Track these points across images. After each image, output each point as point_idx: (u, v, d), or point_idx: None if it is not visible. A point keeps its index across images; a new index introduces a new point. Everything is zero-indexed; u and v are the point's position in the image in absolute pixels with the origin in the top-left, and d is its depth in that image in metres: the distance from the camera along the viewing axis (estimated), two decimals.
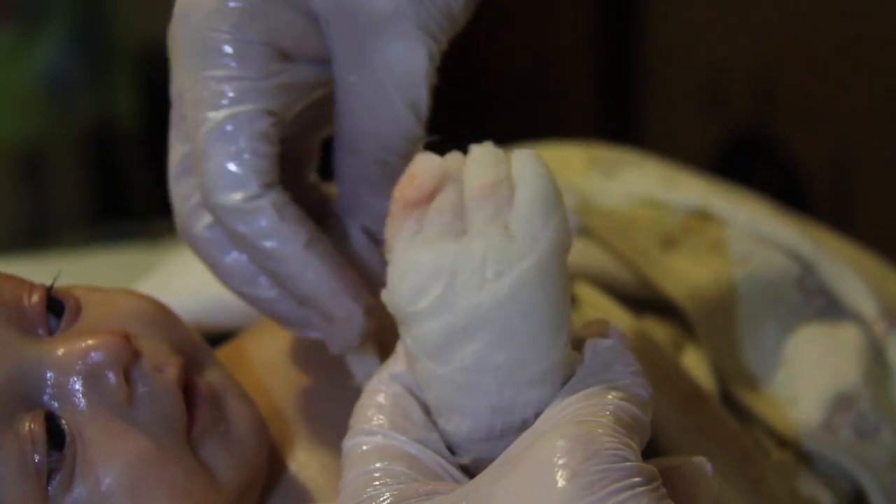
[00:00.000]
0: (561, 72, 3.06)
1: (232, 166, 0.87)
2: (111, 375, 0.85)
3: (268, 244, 0.88)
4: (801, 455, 1.09)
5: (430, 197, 0.78)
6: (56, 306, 0.90)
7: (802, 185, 2.67)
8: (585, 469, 0.70)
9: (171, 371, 0.87)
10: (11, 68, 2.68)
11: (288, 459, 0.96)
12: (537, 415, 0.77)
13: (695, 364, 1.13)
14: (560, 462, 0.71)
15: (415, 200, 0.78)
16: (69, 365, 0.85)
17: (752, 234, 1.20)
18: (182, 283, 1.19)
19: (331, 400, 0.99)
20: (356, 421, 0.81)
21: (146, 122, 2.91)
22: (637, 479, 0.70)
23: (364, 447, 0.79)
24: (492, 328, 0.76)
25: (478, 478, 0.75)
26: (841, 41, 2.52)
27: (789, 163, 2.70)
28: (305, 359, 1.02)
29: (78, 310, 0.90)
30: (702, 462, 0.78)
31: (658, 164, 1.37)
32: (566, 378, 0.78)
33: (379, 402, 0.81)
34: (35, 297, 0.89)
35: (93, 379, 0.85)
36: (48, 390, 0.86)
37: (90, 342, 0.86)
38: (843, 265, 1.18)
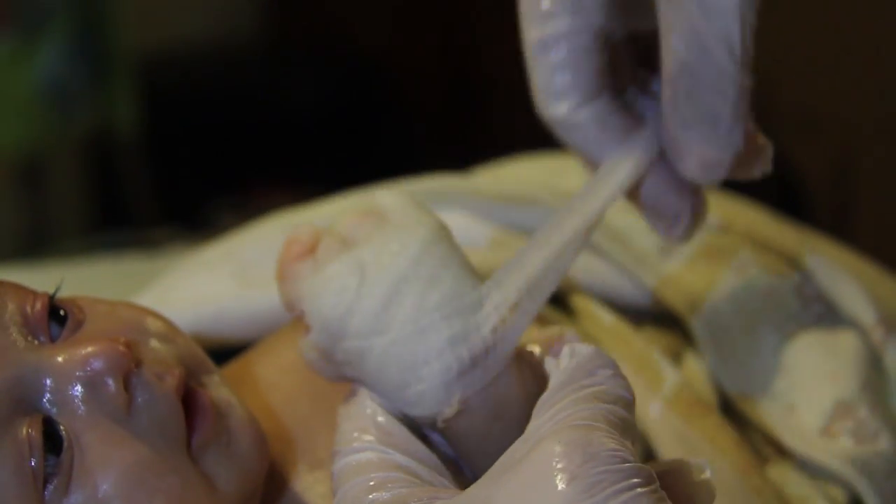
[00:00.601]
0: None
1: (554, 78, 0.88)
2: (111, 382, 0.85)
3: (588, 153, 0.90)
4: (799, 463, 1.09)
5: (313, 247, 0.88)
6: (59, 316, 0.90)
7: (801, 195, 2.67)
8: (585, 472, 0.71)
9: (171, 380, 0.87)
10: (11, 76, 2.68)
11: (290, 481, 0.96)
12: (493, 330, 0.83)
13: (694, 372, 1.13)
14: (559, 466, 0.71)
15: (302, 250, 0.87)
16: (69, 371, 0.86)
17: (750, 241, 1.20)
18: (181, 296, 1.19)
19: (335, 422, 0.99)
20: (342, 443, 0.83)
21: (146, 129, 2.91)
22: (636, 479, 0.71)
23: (356, 462, 0.80)
24: (418, 277, 0.84)
25: (476, 484, 0.76)
26: (841, 49, 2.53)
27: (788, 172, 2.70)
28: (312, 380, 1.02)
29: (81, 320, 0.90)
30: (700, 464, 0.78)
31: None
32: (538, 385, 0.82)
33: (361, 425, 0.83)
34: (38, 306, 0.90)
35: (92, 386, 0.85)
36: (47, 396, 0.86)
37: (90, 349, 0.86)
38: (841, 272, 1.18)
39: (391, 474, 0.78)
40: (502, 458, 0.76)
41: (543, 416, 0.76)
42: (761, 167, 0.91)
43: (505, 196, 1.22)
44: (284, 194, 2.26)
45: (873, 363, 1.15)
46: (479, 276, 0.86)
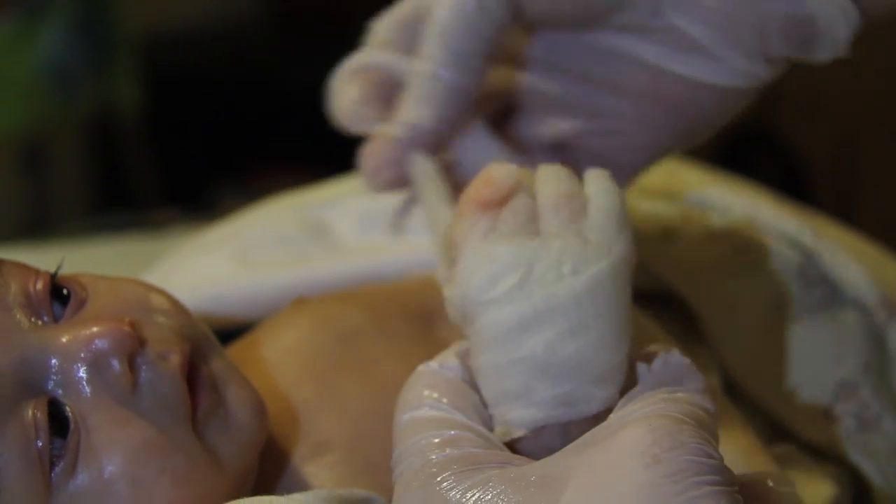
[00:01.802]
0: None
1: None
2: (115, 363, 0.85)
3: None
4: (803, 444, 1.09)
5: (504, 200, 0.81)
6: (62, 294, 0.90)
7: (805, 177, 2.66)
8: (671, 457, 0.70)
9: (175, 358, 0.87)
10: (13, 58, 2.67)
11: (292, 463, 0.96)
12: (596, 414, 0.78)
13: (698, 354, 1.13)
14: (646, 448, 0.71)
15: (490, 201, 0.81)
16: (74, 352, 0.86)
17: (752, 223, 1.20)
18: (182, 278, 1.19)
19: (345, 397, 0.99)
20: (410, 398, 0.80)
21: (148, 111, 2.90)
22: (719, 477, 0.70)
23: (426, 417, 0.79)
24: (565, 319, 0.78)
25: (554, 455, 0.75)
26: None
27: (791, 154, 2.70)
28: (315, 362, 1.02)
29: (84, 298, 0.90)
30: (784, 477, 0.78)
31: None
32: (624, 387, 0.79)
33: (433, 383, 0.81)
34: (40, 285, 0.89)
35: (97, 366, 0.85)
36: (53, 377, 0.86)
37: (95, 329, 0.86)
38: (843, 254, 1.18)
39: (463, 433, 0.77)
40: (582, 438, 0.75)
41: (629, 406, 0.76)
42: None
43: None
44: (287, 176, 2.26)
45: (876, 344, 1.15)
46: (629, 329, 0.80)
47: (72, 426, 0.85)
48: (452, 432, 0.77)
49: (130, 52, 2.89)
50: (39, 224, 2.70)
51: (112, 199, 2.84)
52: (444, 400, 0.79)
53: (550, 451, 0.77)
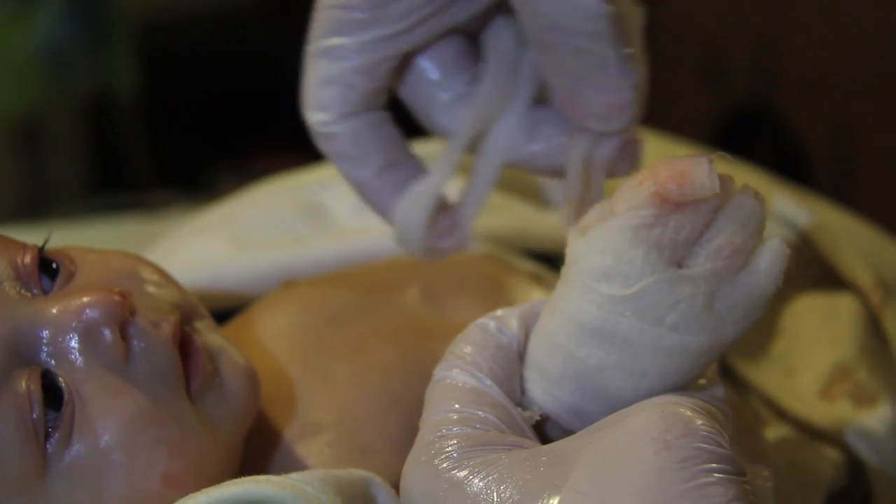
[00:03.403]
0: None
1: (319, 91, 0.87)
2: (107, 332, 0.85)
3: (341, 166, 0.89)
4: (799, 425, 1.09)
5: (683, 206, 0.75)
6: (50, 268, 0.90)
7: (803, 159, 2.66)
8: (681, 444, 0.70)
9: (167, 327, 0.87)
10: (10, 39, 2.67)
11: (284, 443, 0.96)
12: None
13: None
14: (657, 434, 0.71)
15: (668, 200, 0.75)
16: (65, 322, 0.85)
17: None
18: (179, 259, 1.19)
19: (335, 378, 0.99)
20: (454, 352, 0.80)
21: (145, 92, 2.90)
22: (729, 466, 0.70)
23: (456, 385, 0.78)
24: (632, 359, 0.76)
25: (565, 440, 0.75)
26: (841, 14, 2.52)
27: (790, 136, 2.70)
28: (305, 344, 1.02)
29: (73, 271, 0.90)
30: (764, 477, 0.78)
31: (656, 138, 1.37)
32: None
33: (484, 344, 0.79)
34: (28, 258, 0.89)
35: (89, 336, 0.85)
36: (45, 348, 0.86)
37: (85, 299, 0.86)
38: (840, 235, 1.18)
39: (483, 413, 0.77)
40: (594, 424, 0.75)
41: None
42: (630, 162, 0.85)
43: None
44: (282, 158, 2.25)
45: (872, 326, 1.15)
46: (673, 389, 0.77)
47: (66, 397, 0.84)
48: (474, 409, 0.77)
49: (128, 33, 2.88)
50: (36, 205, 2.69)
51: (108, 180, 2.84)
52: (484, 366, 0.78)
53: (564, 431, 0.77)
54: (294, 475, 0.84)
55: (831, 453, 1.07)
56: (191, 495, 0.83)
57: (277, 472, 0.90)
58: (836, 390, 1.10)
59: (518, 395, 0.79)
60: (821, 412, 1.09)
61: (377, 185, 0.88)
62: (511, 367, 0.79)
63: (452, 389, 0.78)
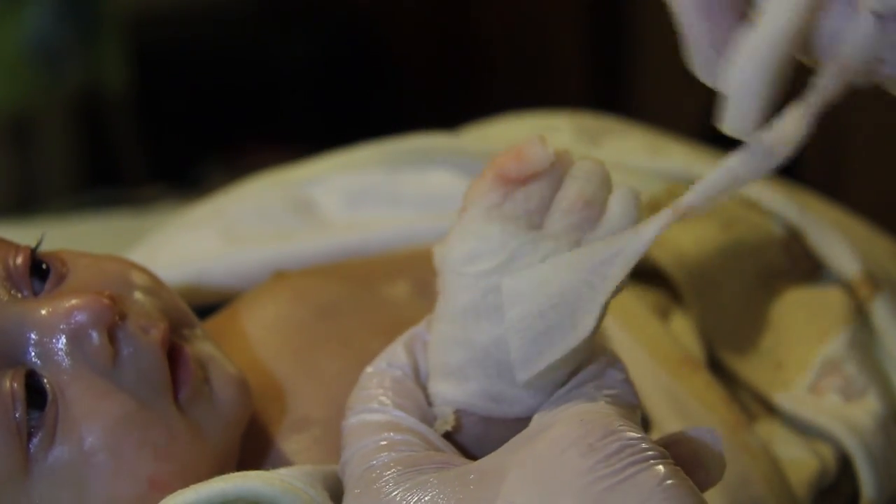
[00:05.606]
0: (551, 40, 3.05)
1: None
2: (95, 335, 0.85)
3: None
4: (788, 420, 1.10)
5: (526, 180, 0.79)
6: (41, 269, 0.90)
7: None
8: (604, 444, 0.72)
9: (156, 333, 0.87)
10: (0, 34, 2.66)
11: (274, 439, 0.96)
12: (519, 418, 0.78)
13: (682, 330, 1.13)
14: (578, 439, 0.72)
15: (511, 177, 0.79)
16: (53, 324, 0.85)
17: (738, 199, 1.20)
18: (168, 255, 1.19)
19: (324, 371, 0.99)
20: (356, 401, 0.81)
21: (135, 87, 2.90)
22: (653, 452, 0.72)
23: (369, 421, 0.79)
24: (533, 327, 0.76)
25: (491, 455, 0.76)
26: None
27: None
28: (294, 337, 1.02)
29: (64, 273, 0.90)
30: (705, 432, 0.79)
31: (644, 132, 1.37)
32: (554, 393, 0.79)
33: (380, 384, 0.81)
34: (19, 259, 0.89)
35: (77, 339, 0.85)
36: (32, 349, 0.86)
37: (74, 302, 0.86)
38: (829, 229, 1.18)
39: (404, 437, 0.78)
40: (516, 437, 0.76)
41: (556, 406, 0.77)
42: None
43: (491, 155, 1.21)
44: (274, 153, 2.26)
45: (861, 320, 1.15)
46: (580, 355, 0.78)
47: (49, 397, 0.84)
48: (393, 435, 0.78)
49: (117, 28, 2.88)
50: (25, 200, 2.69)
51: (98, 175, 2.84)
52: (388, 401, 0.80)
53: (483, 442, 0.79)
54: (282, 470, 0.84)
55: (821, 448, 1.07)
56: (178, 491, 0.83)
57: (266, 468, 0.90)
58: (826, 384, 1.11)
59: (429, 416, 0.80)
60: (810, 407, 1.09)
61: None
62: (412, 392, 0.81)
63: (367, 426, 0.79)
